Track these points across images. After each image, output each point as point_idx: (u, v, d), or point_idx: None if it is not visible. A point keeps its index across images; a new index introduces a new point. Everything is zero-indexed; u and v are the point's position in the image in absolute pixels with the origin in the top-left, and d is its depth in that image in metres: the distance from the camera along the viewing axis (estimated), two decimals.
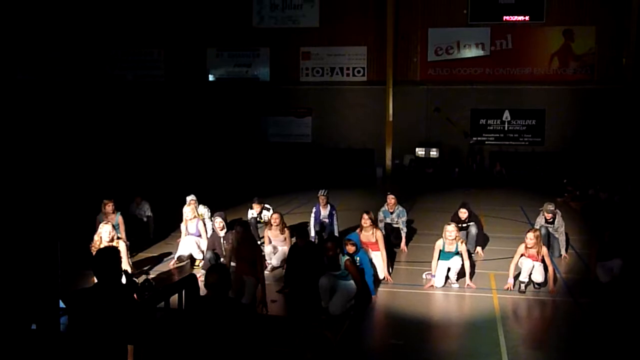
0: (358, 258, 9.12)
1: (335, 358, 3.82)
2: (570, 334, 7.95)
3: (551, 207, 11.26)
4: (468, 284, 9.52)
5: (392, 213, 11.81)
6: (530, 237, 9.42)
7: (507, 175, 22.32)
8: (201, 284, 6.15)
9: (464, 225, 11.29)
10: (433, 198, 17.48)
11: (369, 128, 24.47)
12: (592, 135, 22.68)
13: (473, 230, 11.45)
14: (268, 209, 12.32)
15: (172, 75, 26.34)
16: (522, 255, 9.50)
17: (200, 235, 10.68)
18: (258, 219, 12.35)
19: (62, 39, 26.04)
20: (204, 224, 10.86)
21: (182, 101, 25.75)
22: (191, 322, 4.83)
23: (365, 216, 10.14)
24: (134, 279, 9.04)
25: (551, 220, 11.21)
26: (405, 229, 11.78)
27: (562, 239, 11.17)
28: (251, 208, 12.46)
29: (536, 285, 9.45)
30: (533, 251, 9.38)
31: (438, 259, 9.63)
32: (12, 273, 5.56)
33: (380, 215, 11.78)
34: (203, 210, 11.76)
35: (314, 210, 12.02)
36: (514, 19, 23.65)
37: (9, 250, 5.65)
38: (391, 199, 11.84)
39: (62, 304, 6.63)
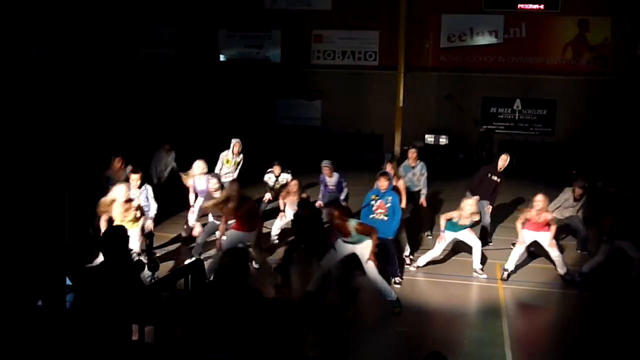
0: (390, 197, 8.79)
1: (342, 343, 3.83)
2: (574, 325, 7.96)
3: (583, 183, 10.50)
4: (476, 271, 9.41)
5: (413, 168, 11.13)
6: (540, 198, 9.03)
7: (516, 165, 22.20)
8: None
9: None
10: (441, 186, 17.45)
11: (378, 113, 24.35)
12: (604, 127, 22.50)
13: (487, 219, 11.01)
14: (287, 172, 12.11)
15: (183, 54, 26.27)
16: (525, 223, 9.20)
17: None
18: (275, 182, 12.05)
19: (74, 16, 25.96)
20: None
21: (192, 80, 25.68)
22: (198, 305, 4.85)
23: (389, 165, 9.94)
24: (140, 258, 9.08)
25: (579, 198, 10.48)
26: (425, 190, 11.15)
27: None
28: (269, 172, 12.22)
29: (566, 276, 9.31)
30: (539, 218, 9.08)
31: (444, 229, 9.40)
32: (18, 240, 5.58)
33: (401, 171, 11.00)
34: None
35: (320, 178, 11.75)
36: (529, 8, 23.40)
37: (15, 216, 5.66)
38: (413, 152, 11.21)
39: (68, 281, 6.67)
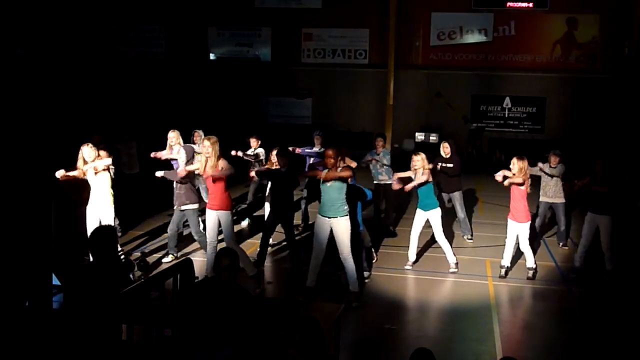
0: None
1: (324, 340, 3.82)
2: (564, 322, 7.99)
3: (558, 151, 10.82)
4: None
5: (378, 155, 11.55)
6: (514, 161, 8.94)
7: (506, 163, 22.24)
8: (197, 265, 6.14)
9: (446, 164, 11.09)
10: None
11: (369, 111, 24.39)
12: (592, 125, 22.62)
13: (457, 196, 11.37)
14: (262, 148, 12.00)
15: (173, 52, 26.21)
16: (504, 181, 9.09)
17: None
18: (254, 158, 11.83)
19: (63, 14, 25.84)
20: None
21: (183, 79, 25.63)
22: (199, 303, 4.83)
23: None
24: (130, 258, 9.06)
25: (556, 166, 10.74)
26: (388, 176, 11.35)
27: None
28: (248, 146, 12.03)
29: (529, 275, 9.32)
30: (518, 180, 8.93)
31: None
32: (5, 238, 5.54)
33: (367, 156, 11.59)
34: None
35: (308, 149, 11.73)
36: (518, 6, 23.49)
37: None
38: (379, 140, 11.71)
39: (56, 281, 6.64)
